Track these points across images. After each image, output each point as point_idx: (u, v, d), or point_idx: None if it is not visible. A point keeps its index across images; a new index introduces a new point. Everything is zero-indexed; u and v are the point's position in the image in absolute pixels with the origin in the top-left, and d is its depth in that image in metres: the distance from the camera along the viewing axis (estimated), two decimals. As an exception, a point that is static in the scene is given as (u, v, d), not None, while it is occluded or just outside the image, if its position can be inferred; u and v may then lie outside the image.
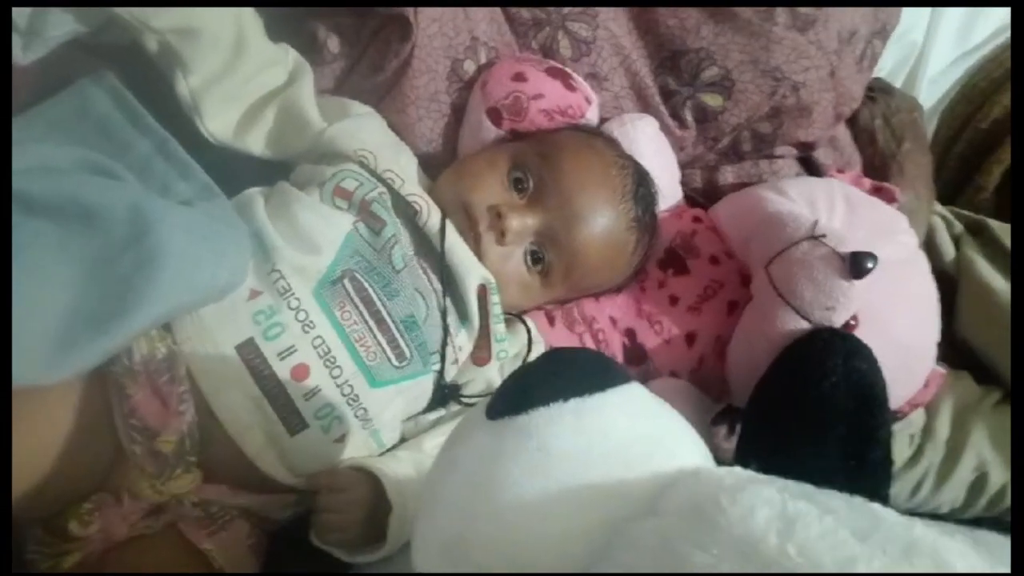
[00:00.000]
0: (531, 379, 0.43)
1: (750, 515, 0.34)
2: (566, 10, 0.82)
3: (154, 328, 0.61)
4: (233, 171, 0.72)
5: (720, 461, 0.46)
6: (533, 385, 0.42)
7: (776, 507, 0.34)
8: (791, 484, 0.37)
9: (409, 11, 0.74)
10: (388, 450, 0.71)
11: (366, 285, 0.68)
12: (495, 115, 0.79)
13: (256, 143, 0.74)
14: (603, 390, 0.41)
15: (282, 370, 0.63)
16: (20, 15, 0.65)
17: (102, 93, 0.67)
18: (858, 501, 0.37)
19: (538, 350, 0.78)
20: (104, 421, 0.60)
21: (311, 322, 0.64)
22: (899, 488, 0.88)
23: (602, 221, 0.74)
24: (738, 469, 0.40)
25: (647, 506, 0.38)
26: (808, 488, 0.38)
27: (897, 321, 0.74)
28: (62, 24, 0.66)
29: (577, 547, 0.39)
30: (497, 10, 0.82)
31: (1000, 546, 0.36)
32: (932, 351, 0.80)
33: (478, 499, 0.41)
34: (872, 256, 0.69)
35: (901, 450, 0.87)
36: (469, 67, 0.81)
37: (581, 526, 0.39)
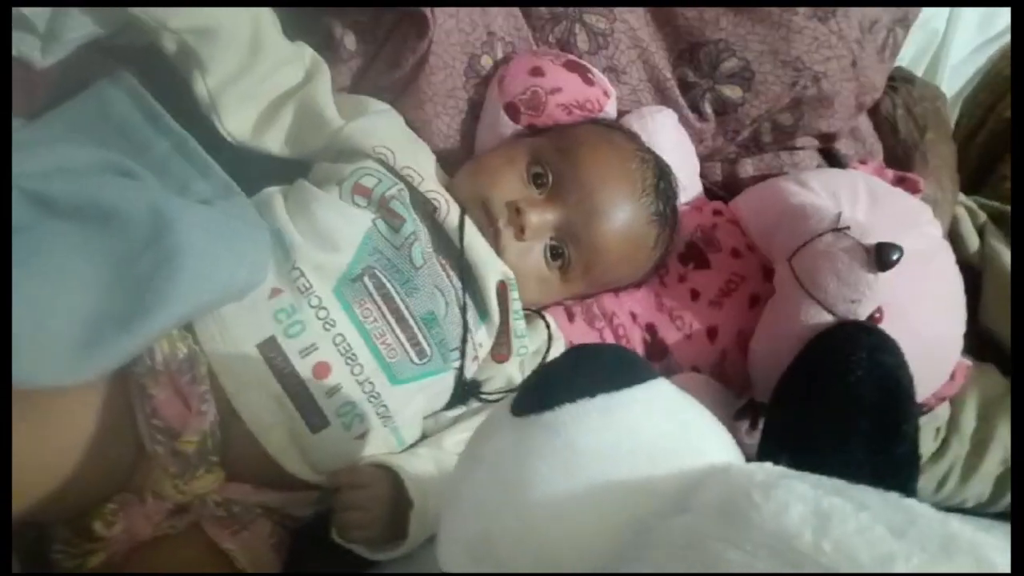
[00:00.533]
0: (557, 375, 0.42)
1: (784, 511, 0.33)
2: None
3: (175, 328, 0.61)
4: (251, 170, 0.72)
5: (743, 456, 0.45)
6: (559, 381, 0.41)
7: (810, 503, 0.33)
8: (824, 479, 0.37)
9: (426, 7, 0.74)
10: (408, 447, 0.70)
11: (386, 282, 0.67)
12: (513, 110, 0.78)
13: (274, 142, 0.74)
14: (630, 386, 0.41)
15: (304, 368, 0.63)
16: (39, 18, 0.65)
17: (121, 94, 0.67)
18: (892, 496, 0.36)
19: (558, 346, 0.77)
20: (126, 422, 0.60)
21: (332, 320, 0.64)
22: (925, 482, 0.87)
23: (622, 216, 0.74)
24: (769, 465, 0.39)
25: (675, 503, 0.38)
26: (840, 483, 0.37)
27: (922, 313, 0.73)
28: (81, 26, 0.67)
29: (604, 544, 0.38)
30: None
31: (1039, 541, 0.35)
32: (958, 343, 0.79)
33: (504, 496, 0.40)
34: (898, 248, 0.68)
35: (927, 443, 0.86)
36: (486, 62, 0.80)
37: (608, 523, 0.38)
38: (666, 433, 0.41)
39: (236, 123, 0.72)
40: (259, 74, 0.72)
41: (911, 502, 0.35)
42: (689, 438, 0.42)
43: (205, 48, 0.68)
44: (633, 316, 0.81)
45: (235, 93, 0.71)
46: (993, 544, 0.33)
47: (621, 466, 0.39)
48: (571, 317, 0.81)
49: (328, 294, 0.65)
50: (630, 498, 0.39)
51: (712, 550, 0.33)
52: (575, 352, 0.45)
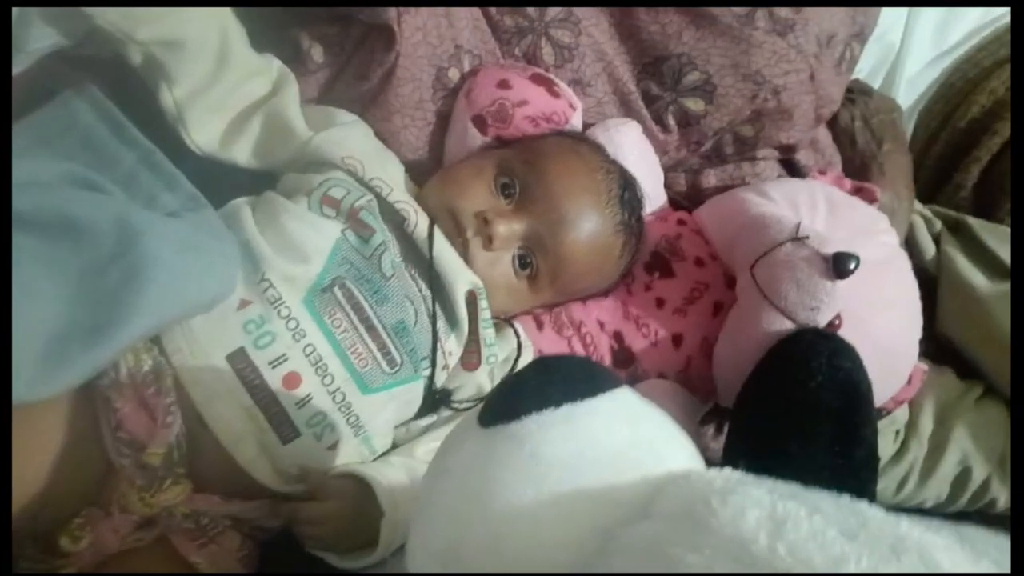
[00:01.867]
0: (522, 386, 0.43)
1: (741, 516, 0.34)
2: (548, 17, 0.82)
3: (142, 341, 0.61)
4: (219, 182, 0.72)
5: (708, 460, 0.46)
6: (524, 392, 0.42)
7: (766, 508, 0.35)
8: (780, 484, 0.38)
9: (393, 20, 0.74)
10: (380, 456, 0.71)
11: (356, 292, 0.68)
12: (480, 122, 0.79)
13: (242, 153, 0.74)
14: (593, 396, 0.42)
15: (274, 379, 0.63)
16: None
17: (86, 105, 0.67)
18: (845, 500, 0.37)
19: (527, 354, 0.78)
20: (92, 435, 0.60)
21: (302, 330, 0.65)
22: (885, 484, 0.89)
23: (588, 226, 0.75)
24: (728, 471, 0.40)
25: (639, 510, 0.39)
26: (796, 488, 0.38)
27: (880, 320, 0.76)
28: (45, 37, 0.66)
29: (570, 552, 0.39)
30: (480, 18, 0.83)
31: (984, 541, 0.37)
32: (915, 348, 0.81)
33: (471, 506, 0.41)
34: (855, 257, 0.70)
35: (886, 446, 0.88)
36: (453, 75, 0.81)
37: (574, 531, 0.39)
38: (629, 441, 0.42)
39: (203, 135, 0.72)
40: (226, 85, 0.72)
41: (863, 505, 0.37)
42: (651, 446, 0.43)
43: (172, 60, 0.68)
44: (601, 324, 0.82)
45: (202, 105, 0.71)
46: (940, 544, 0.34)
47: (585, 475, 0.40)
48: (540, 325, 0.82)
49: (298, 304, 0.65)
50: (594, 506, 0.40)
51: (672, 555, 0.34)
52: (540, 363, 0.46)
